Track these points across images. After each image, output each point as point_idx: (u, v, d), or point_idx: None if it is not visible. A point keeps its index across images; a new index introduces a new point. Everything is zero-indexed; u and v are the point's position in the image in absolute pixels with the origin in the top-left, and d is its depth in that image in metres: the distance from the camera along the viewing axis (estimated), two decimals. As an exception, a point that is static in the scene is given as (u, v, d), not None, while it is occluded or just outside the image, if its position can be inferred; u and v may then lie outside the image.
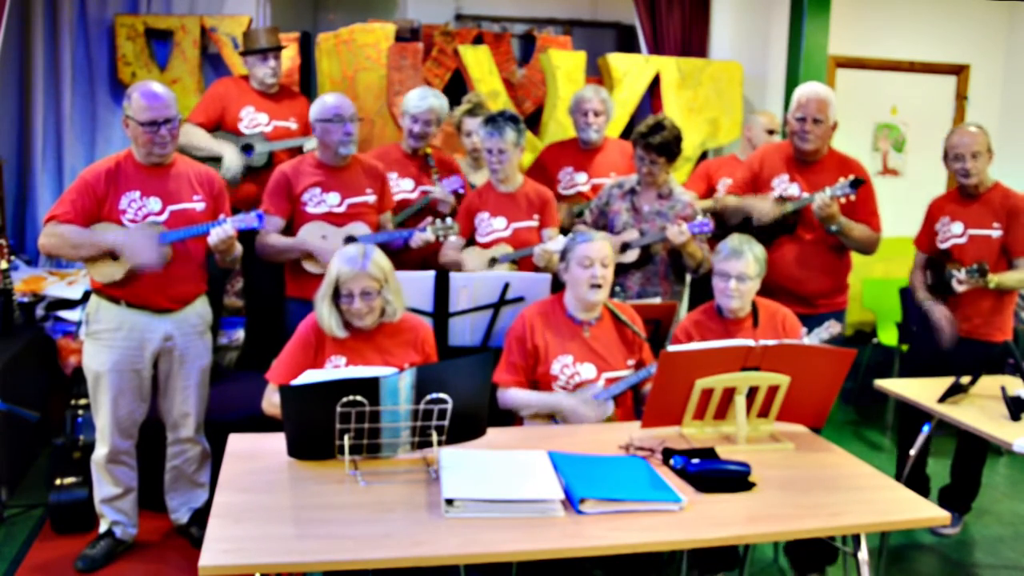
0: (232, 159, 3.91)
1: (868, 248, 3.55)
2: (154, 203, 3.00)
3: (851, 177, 3.37)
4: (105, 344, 3.03)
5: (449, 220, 3.44)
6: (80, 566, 3.09)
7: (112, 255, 2.95)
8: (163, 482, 3.29)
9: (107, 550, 3.14)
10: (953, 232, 3.56)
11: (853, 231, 3.46)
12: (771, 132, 4.46)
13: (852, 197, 3.38)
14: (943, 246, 3.59)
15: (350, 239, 3.37)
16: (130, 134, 2.99)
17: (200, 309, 3.17)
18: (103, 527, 3.18)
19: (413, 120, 3.71)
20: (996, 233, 3.48)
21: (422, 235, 3.40)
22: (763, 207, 3.53)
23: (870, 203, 3.52)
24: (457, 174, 3.83)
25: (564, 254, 2.94)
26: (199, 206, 3.07)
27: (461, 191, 3.77)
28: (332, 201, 3.42)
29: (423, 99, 3.70)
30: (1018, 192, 3.56)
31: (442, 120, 3.79)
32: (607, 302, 2.98)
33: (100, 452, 3.10)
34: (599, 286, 2.84)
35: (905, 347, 4.69)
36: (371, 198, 3.50)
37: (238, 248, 3.09)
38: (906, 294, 3.90)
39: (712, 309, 3.03)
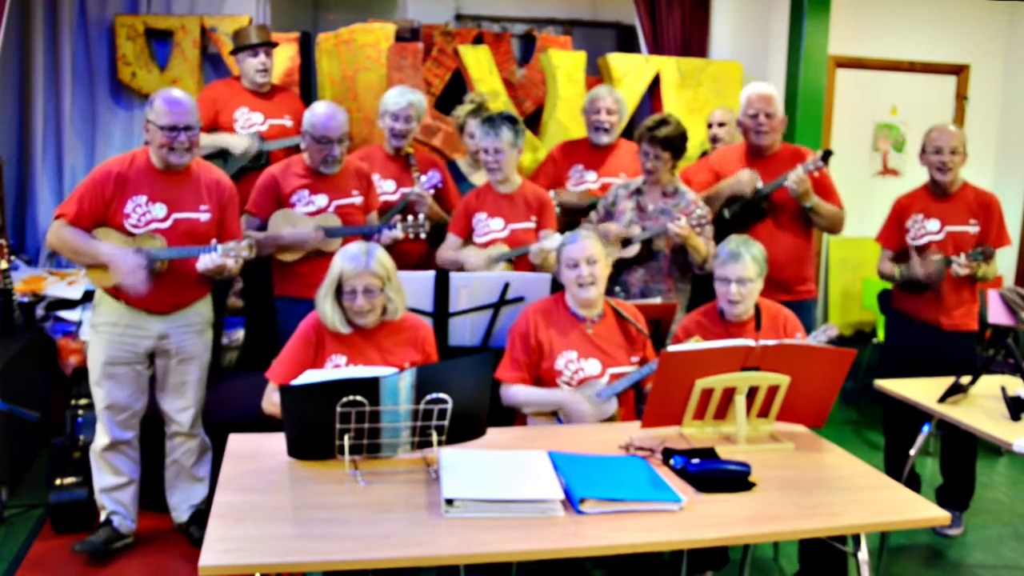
0: (238, 141, 3.90)
1: (837, 225, 3.73)
2: (159, 209, 2.98)
3: (821, 151, 3.55)
4: (105, 337, 3.05)
5: (421, 218, 3.44)
6: (78, 547, 3.10)
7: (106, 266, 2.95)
8: (164, 481, 3.29)
9: (106, 537, 3.14)
10: (929, 229, 3.62)
11: (824, 207, 3.64)
12: (721, 124, 4.49)
13: (825, 169, 3.57)
14: (917, 243, 3.65)
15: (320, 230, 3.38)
16: (148, 137, 2.98)
17: (200, 308, 3.17)
18: (103, 516, 3.19)
19: (394, 118, 3.72)
20: (973, 229, 3.57)
21: (391, 232, 3.40)
22: (740, 179, 3.67)
23: (828, 184, 3.71)
24: (437, 169, 3.83)
25: (557, 255, 2.98)
26: (204, 216, 3.05)
27: (440, 186, 3.78)
28: (320, 203, 3.43)
29: (401, 95, 3.72)
30: (987, 191, 3.66)
31: (421, 116, 3.80)
32: (609, 300, 2.99)
33: (99, 442, 3.12)
34: (586, 285, 2.87)
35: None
36: (358, 199, 3.50)
37: (230, 268, 3.01)
38: (883, 297, 3.97)
39: (714, 310, 3.03)
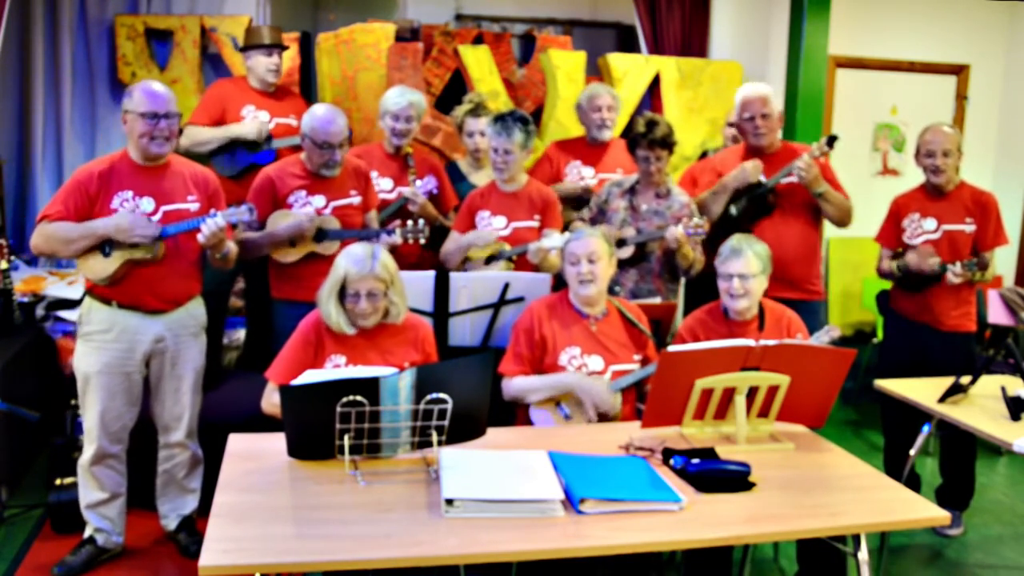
0: (248, 127, 3.90)
1: (846, 215, 3.69)
2: (147, 203, 2.97)
3: (826, 136, 3.55)
4: (96, 346, 3.00)
5: (421, 223, 3.40)
6: (56, 572, 3.04)
7: (104, 245, 2.92)
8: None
9: (87, 557, 3.09)
10: (925, 228, 3.63)
11: (834, 195, 3.63)
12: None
13: (830, 154, 3.58)
14: (914, 242, 3.65)
15: (320, 232, 3.37)
16: (127, 129, 2.97)
17: (194, 311, 3.14)
18: (87, 532, 3.14)
19: (395, 118, 3.71)
20: (970, 228, 3.58)
21: (389, 238, 3.35)
22: (745, 169, 3.63)
23: (831, 175, 3.70)
24: (434, 175, 3.83)
25: (562, 251, 3.01)
26: (193, 207, 3.04)
27: (436, 192, 3.78)
28: (317, 204, 3.41)
29: (401, 95, 3.71)
30: (984, 189, 3.66)
31: (422, 116, 3.80)
32: (613, 300, 3.00)
33: (86, 455, 3.06)
34: (586, 282, 2.88)
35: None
36: (356, 199, 3.48)
37: (230, 246, 3.07)
38: (882, 298, 3.97)
39: (717, 309, 3.03)
